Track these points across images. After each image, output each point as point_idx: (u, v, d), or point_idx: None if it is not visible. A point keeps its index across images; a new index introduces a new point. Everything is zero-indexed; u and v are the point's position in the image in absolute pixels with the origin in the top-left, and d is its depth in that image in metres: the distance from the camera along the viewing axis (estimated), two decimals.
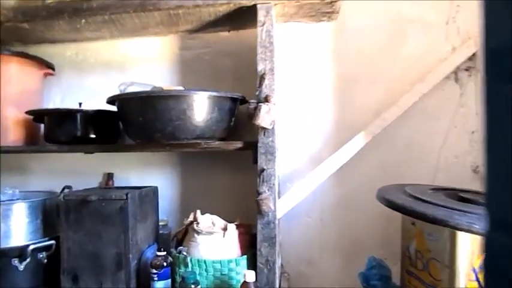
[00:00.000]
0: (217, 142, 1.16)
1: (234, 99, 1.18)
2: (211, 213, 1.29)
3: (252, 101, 1.10)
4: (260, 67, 1.11)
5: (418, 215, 0.80)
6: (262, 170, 1.10)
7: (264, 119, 1.05)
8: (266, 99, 1.07)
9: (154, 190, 1.34)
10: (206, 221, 1.18)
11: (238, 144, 1.16)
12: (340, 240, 1.43)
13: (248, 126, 1.42)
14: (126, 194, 1.13)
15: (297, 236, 1.45)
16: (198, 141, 1.13)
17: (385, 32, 1.40)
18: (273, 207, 1.08)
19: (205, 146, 1.14)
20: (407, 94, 1.30)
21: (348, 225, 1.42)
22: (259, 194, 1.08)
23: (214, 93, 1.08)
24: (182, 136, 1.09)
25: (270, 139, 1.11)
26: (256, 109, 1.06)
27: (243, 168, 1.45)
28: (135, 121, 1.11)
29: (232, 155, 1.39)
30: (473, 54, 1.33)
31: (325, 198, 1.42)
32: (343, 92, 1.42)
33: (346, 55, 1.42)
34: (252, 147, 1.15)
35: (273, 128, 1.09)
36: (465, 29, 1.35)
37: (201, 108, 1.08)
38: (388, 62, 1.40)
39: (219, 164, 1.47)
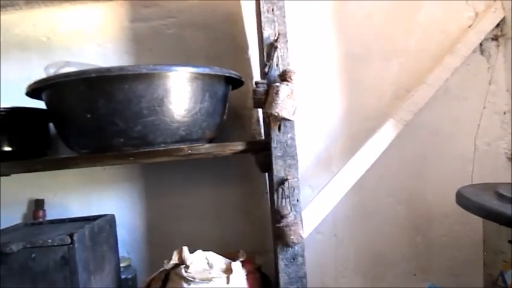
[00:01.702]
0: (207, 145, 0.79)
1: (227, 81, 0.82)
2: (194, 244, 0.91)
3: (261, 81, 0.75)
4: (267, 32, 0.76)
5: None
6: (282, 182, 0.76)
7: (284, 105, 0.70)
8: (285, 77, 0.72)
9: (111, 221, 0.93)
10: (199, 261, 0.80)
11: (239, 147, 0.80)
12: (359, 258, 1.13)
13: (236, 119, 1.08)
14: (71, 236, 0.72)
15: (307, 258, 1.12)
16: (182, 145, 0.75)
17: None
18: (303, 235, 0.74)
19: (191, 152, 0.76)
20: (436, 69, 1.04)
21: (368, 239, 1.13)
22: (281, 217, 0.73)
23: (207, 70, 0.70)
24: (158, 139, 0.70)
25: (289, 135, 0.77)
26: (271, 92, 0.71)
27: (234, 177, 1.10)
28: (78, 120, 0.70)
29: (219, 160, 1.02)
30: (502, 20, 1.11)
31: (337, 208, 1.09)
32: (352, 71, 1.12)
33: (353, 24, 1.12)
34: (260, 148, 0.80)
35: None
36: None
37: (186, 94, 0.70)
38: (404, 31, 1.13)
39: (201, 174, 1.09)
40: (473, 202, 0.70)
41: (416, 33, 1.12)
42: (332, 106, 1.11)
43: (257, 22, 1.00)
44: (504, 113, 1.14)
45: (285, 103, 0.70)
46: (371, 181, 1.08)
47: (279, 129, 0.76)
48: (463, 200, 0.74)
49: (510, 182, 1.12)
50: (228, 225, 1.10)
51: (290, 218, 0.73)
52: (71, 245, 0.72)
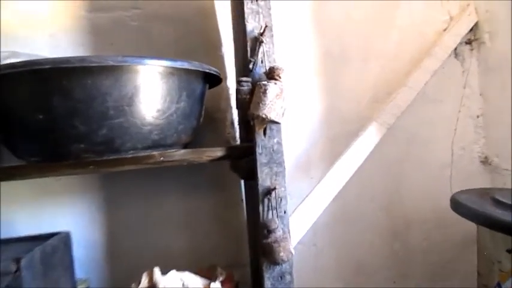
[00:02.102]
0: (182, 151, 0.69)
1: (205, 79, 0.73)
2: (164, 260, 0.82)
3: (246, 79, 0.67)
4: (251, 25, 0.68)
5: None
6: (268, 191, 0.68)
7: (273, 106, 0.63)
8: (272, 75, 0.64)
9: (66, 239, 0.80)
10: (173, 284, 0.70)
11: (218, 153, 0.71)
12: (340, 267, 1.08)
13: (209, 122, 0.99)
14: (17, 261, 0.60)
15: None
16: (154, 151, 0.64)
17: None
18: (292, 252, 0.66)
19: (163, 159, 0.66)
20: (416, 72, 1.02)
21: (348, 247, 1.08)
22: (269, 232, 0.65)
23: (186, 65, 0.61)
24: (127, 145, 0.60)
25: (276, 140, 0.69)
26: (257, 92, 0.63)
27: (207, 185, 1.01)
28: (27, 122, 0.57)
29: (191, 166, 0.93)
30: (475, 24, 1.11)
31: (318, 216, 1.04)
32: (331, 72, 1.07)
33: (333, 25, 1.07)
34: (242, 154, 0.72)
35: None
36: None
37: (160, 92, 0.60)
38: (382, 33, 1.10)
39: (170, 182, 0.98)
40: (472, 209, 0.66)
41: (395, 35, 1.10)
42: (311, 108, 1.06)
43: (233, 15, 0.92)
44: (478, 117, 1.14)
45: (274, 104, 0.63)
46: (351, 187, 1.03)
47: (265, 133, 0.68)
48: (459, 207, 0.70)
49: (485, 186, 1.13)
50: (201, 237, 1.00)
51: (279, 233, 0.65)
52: (18, 273, 0.60)
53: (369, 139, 0.91)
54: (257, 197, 0.69)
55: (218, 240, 1.01)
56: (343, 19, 1.07)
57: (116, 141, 0.58)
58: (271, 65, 0.65)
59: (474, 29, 1.11)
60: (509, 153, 1.04)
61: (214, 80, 0.77)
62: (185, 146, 0.74)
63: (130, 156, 0.62)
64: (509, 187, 1.05)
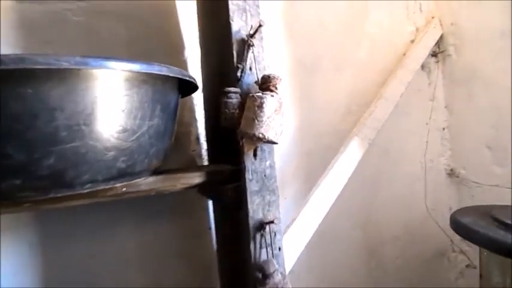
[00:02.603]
0: (151, 179, 0.55)
1: (179, 88, 0.59)
2: None
3: (234, 89, 0.54)
4: (237, 24, 0.57)
5: None
6: (261, 226, 0.56)
7: (271, 124, 0.51)
8: (267, 86, 0.53)
9: None
10: None
11: (197, 179, 0.58)
12: None
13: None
14: None
15: None
16: (118, 183, 0.49)
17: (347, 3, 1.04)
18: None
19: (126, 190, 0.52)
20: (392, 83, 0.97)
21: (325, 271, 1.00)
22: (265, 276, 0.53)
23: (164, 70, 0.47)
24: (83, 177, 0.44)
25: (268, 163, 0.58)
26: (251, 105, 0.52)
27: (168, 212, 0.86)
28: None
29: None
30: (440, 37, 1.11)
31: None
32: (304, 83, 0.99)
33: (305, 29, 0.99)
34: (226, 180, 0.59)
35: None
36: (427, 6, 1.13)
37: (129, 105, 0.45)
38: (354, 41, 1.05)
39: (125, 211, 0.81)
40: (477, 233, 0.61)
41: (366, 43, 1.05)
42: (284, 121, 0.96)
43: (200, 14, 0.79)
44: (443, 129, 1.14)
45: (272, 121, 0.51)
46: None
47: (255, 154, 0.57)
48: (461, 228, 0.65)
49: (452, 199, 1.13)
50: (162, 274, 0.85)
51: (277, 278, 0.53)
52: None
53: (351, 155, 0.84)
54: (247, 233, 0.57)
55: (183, 276, 0.86)
56: (316, 25, 1.00)
57: (67, 173, 0.42)
58: (266, 74, 0.54)
59: (439, 41, 1.11)
60: (477, 165, 1.05)
61: (186, 89, 0.64)
62: (154, 172, 0.59)
63: (87, 191, 0.46)
64: (478, 200, 1.05)
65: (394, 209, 1.08)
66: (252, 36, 0.55)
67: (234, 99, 0.54)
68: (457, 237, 1.08)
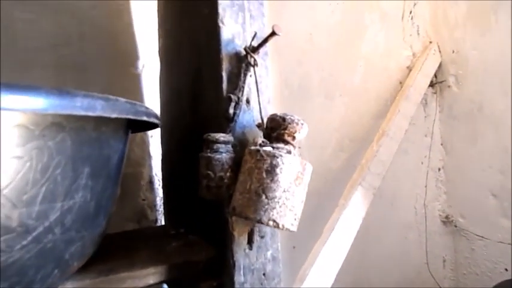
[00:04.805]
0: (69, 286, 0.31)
1: (129, 125, 0.35)
2: None
3: (224, 136, 0.32)
4: (230, 30, 0.35)
5: None
6: None
7: (287, 204, 0.30)
8: (281, 134, 0.32)
9: None
10: None
11: (151, 278, 0.35)
12: None
13: None
14: None
15: None
16: None
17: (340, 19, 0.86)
18: None
19: None
20: (395, 118, 0.80)
21: None
22: None
23: (99, 104, 0.24)
24: None
25: (270, 254, 0.36)
26: (255, 167, 0.30)
27: None
28: None
29: None
30: (439, 65, 0.98)
31: None
32: (290, 109, 0.78)
33: (293, 47, 0.80)
34: (200, 276, 0.37)
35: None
36: (424, 29, 0.99)
37: (24, 174, 0.22)
38: (346, 62, 0.87)
39: None
40: None
41: (360, 65, 0.88)
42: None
43: (163, 14, 0.56)
44: (439, 170, 1.00)
45: (291, 197, 0.30)
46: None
47: (251, 241, 0.35)
48: None
49: (447, 250, 0.98)
50: None
51: None
52: None
53: (355, 211, 0.65)
54: None
55: None
56: (305, 41, 0.81)
57: None
58: (278, 114, 0.32)
59: (437, 70, 0.98)
60: (478, 215, 0.91)
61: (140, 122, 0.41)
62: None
63: None
64: (479, 255, 0.92)
65: (386, 264, 0.90)
66: (255, 50, 0.33)
67: (224, 153, 0.32)
68: None
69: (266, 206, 0.29)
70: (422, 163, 0.97)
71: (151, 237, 0.48)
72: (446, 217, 0.98)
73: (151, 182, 0.64)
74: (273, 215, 0.29)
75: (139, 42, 0.65)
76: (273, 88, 0.76)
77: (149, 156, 0.64)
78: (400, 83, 0.93)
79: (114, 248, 0.41)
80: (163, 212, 0.63)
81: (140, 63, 0.65)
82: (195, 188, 0.35)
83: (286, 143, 0.32)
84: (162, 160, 0.59)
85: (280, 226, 0.29)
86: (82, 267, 0.33)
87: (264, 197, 0.29)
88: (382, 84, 0.91)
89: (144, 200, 0.64)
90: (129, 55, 0.64)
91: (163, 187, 0.61)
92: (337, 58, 0.85)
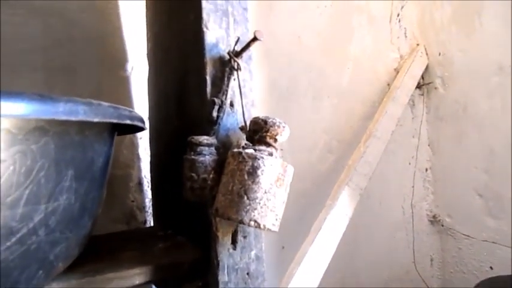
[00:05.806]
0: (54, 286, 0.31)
1: (114, 128, 0.36)
2: None
3: (207, 138, 0.33)
4: (213, 34, 0.36)
5: None
6: None
7: (268, 204, 0.31)
8: (263, 137, 0.33)
9: None
10: None
11: (137, 279, 0.35)
12: None
13: None
14: None
15: None
16: None
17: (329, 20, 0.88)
18: None
19: None
20: (382, 119, 0.82)
21: None
22: None
23: (81, 109, 0.24)
24: None
25: (254, 253, 0.37)
26: (237, 169, 0.31)
27: None
28: None
29: None
30: (426, 67, 0.99)
31: None
32: (278, 110, 0.80)
33: (281, 48, 0.81)
34: (185, 276, 0.37)
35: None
36: (412, 32, 1.00)
37: (10, 177, 0.22)
38: (335, 63, 0.88)
39: None
40: None
41: (348, 67, 0.90)
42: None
43: (152, 13, 0.57)
44: (426, 170, 1.01)
45: (272, 198, 0.31)
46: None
47: (234, 241, 0.36)
48: None
49: (434, 250, 1.00)
50: None
51: None
52: None
53: (342, 211, 0.66)
54: None
55: None
56: (294, 42, 0.82)
57: None
58: (260, 117, 0.33)
59: (424, 72, 0.99)
60: (465, 215, 0.92)
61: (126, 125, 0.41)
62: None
63: None
64: (466, 254, 0.93)
65: (375, 263, 0.92)
66: (238, 54, 0.34)
67: (207, 155, 0.32)
68: None
69: (248, 207, 0.30)
70: (409, 163, 0.99)
71: (139, 239, 0.48)
72: (434, 217, 1.00)
73: (140, 184, 0.65)
74: (254, 215, 0.30)
75: (128, 45, 0.65)
76: (262, 90, 0.78)
77: (138, 158, 0.65)
78: (388, 84, 0.95)
79: (102, 249, 0.41)
80: (151, 213, 0.63)
81: (129, 66, 0.65)
82: (181, 190, 0.36)
83: (268, 145, 0.32)
84: (150, 162, 0.60)
85: (262, 226, 0.30)
86: (68, 268, 0.33)
87: (245, 198, 0.30)
88: (370, 86, 0.93)
89: (133, 201, 0.64)
90: (118, 58, 0.64)
91: (152, 189, 0.61)
92: (326, 60, 0.87)
